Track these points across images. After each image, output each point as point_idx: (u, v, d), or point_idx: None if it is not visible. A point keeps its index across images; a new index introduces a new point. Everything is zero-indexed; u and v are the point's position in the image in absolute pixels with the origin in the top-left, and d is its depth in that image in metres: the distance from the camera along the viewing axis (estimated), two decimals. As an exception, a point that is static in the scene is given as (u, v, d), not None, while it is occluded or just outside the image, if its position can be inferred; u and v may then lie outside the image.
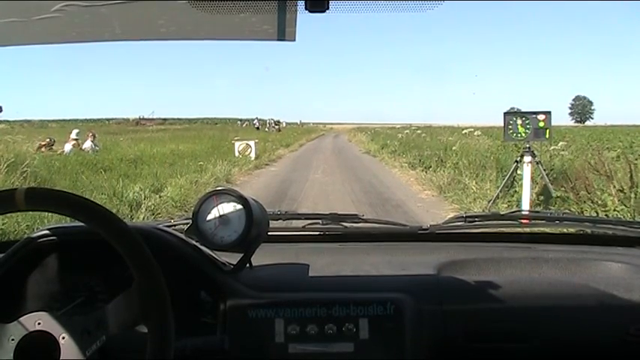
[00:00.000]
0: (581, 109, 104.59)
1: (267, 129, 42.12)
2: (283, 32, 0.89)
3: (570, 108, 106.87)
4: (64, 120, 63.82)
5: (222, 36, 0.96)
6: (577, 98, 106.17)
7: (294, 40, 0.91)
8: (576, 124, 79.46)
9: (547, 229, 1.46)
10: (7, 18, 0.87)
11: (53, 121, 58.64)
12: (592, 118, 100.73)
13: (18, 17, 0.88)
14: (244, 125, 53.84)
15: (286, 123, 58.38)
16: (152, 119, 61.60)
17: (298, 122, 74.12)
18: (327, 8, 0.73)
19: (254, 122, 49.14)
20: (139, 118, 61.47)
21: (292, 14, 0.82)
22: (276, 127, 44.94)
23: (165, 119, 66.28)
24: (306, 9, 0.74)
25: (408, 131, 21.96)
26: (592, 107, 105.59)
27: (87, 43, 1.03)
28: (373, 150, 19.07)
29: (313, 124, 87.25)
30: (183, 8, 0.80)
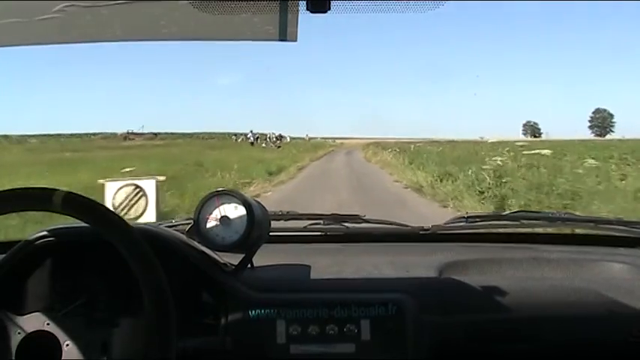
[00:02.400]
0: (602, 122, 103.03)
1: (264, 145, 36.19)
2: (285, 33, 0.89)
3: (590, 121, 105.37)
4: (45, 135, 60.73)
5: (223, 36, 0.97)
6: (597, 111, 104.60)
7: (296, 40, 0.92)
8: (597, 138, 77.61)
9: (549, 230, 1.46)
10: (7, 18, 0.88)
11: (34, 136, 55.82)
12: (613, 132, 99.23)
13: (19, 18, 0.88)
14: (239, 140, 46.19)
15: (291, 137, 52.84)
16: (142, 134, 58.70)
17: (305, 136, 66.01)
18: (329, 9, 0.73)
19: (248, 136, 41.59)
20: (127, 133, 58.62)
21: (294, 14, 0.82)
22: (278, 142, 38.88)
23: (156, 134, 63.55)
24: (307, 9, 0.74)
25: (528, 152, 11.23)
26: (613, 120, 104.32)
27: (88, 43, 1.03)
28: (427, 185, 9.80)
29: (321, 138, 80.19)
30: (185, 9, 0.80)
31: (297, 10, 0.80)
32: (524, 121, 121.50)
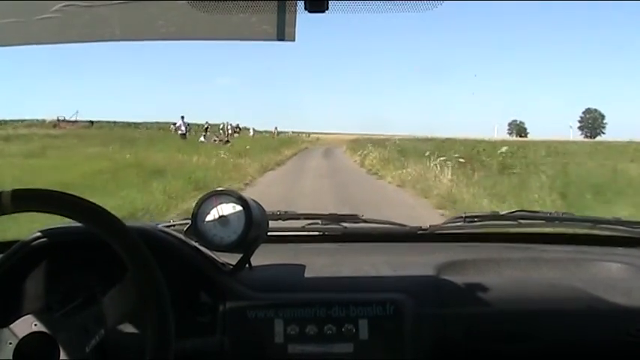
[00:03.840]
0: (592, 122, 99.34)
1: (202, 139, 25.10)
2: (283, 32, 0.89)
3: (580, 122, 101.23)
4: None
5: (222, 36, 0.97)
6: (587, 111, 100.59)
7: (294, 40, 0.92)
8: (586, 139, 74.32)
9: (547, 229, 1.46)
10: (6, 18, 0.88)
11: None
12: (604, 133, 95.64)
13: (17, 17, 0.88)
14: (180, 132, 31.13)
15: (255, 130, 42.51)
16: (74, 121, 50.43)
17: (273, 130, 50.67)
18: (327, 8, 0.73)
19: (177, 126, 27.37)
20: (58, 120, 50.20)
21: (292, 14, 0.82)
22: (232, 135, 29.14)
23: (92, 122, 53.56)
24: (305, 9, 0.74)
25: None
26: (604, 121, 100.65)
27: (86, 43, 1.03)
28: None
29: (293, 132, 64.01)
30: (183, 8, 0.80)
31: (295, 10, 0.80)
32: (509, 120, 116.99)
